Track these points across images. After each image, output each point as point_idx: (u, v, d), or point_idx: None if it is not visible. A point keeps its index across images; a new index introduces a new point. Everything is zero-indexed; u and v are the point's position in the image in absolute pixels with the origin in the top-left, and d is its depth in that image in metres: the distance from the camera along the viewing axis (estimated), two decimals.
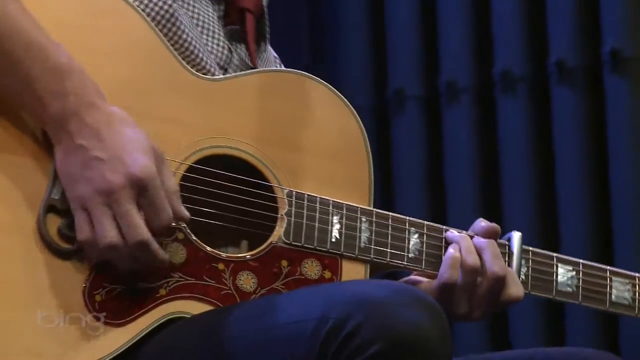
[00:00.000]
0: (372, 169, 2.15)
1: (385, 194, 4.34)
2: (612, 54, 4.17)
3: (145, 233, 1.85)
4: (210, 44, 2.16)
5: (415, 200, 4.35)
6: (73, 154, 1.86)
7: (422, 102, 4.50)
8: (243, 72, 2.15)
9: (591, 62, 4.25)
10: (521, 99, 4.34)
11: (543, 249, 2.29)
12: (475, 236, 2.18)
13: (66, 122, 1.86)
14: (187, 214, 1.92)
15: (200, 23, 2.16)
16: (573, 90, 4.25)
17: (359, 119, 2.15)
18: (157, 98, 2.01)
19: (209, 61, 2.11)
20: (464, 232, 2.20)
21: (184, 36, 2.09)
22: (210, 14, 2.19)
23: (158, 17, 2.08)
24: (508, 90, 4.34)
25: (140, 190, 1.85)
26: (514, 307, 2.25)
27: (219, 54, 2.17)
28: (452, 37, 4.46)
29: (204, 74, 2.09)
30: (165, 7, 2.09)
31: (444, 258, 2.14)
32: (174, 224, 1.91)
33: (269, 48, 2.34)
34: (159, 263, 1.89)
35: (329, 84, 2.18)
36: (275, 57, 2.38)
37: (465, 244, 2.15)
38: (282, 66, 2.38)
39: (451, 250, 2.14)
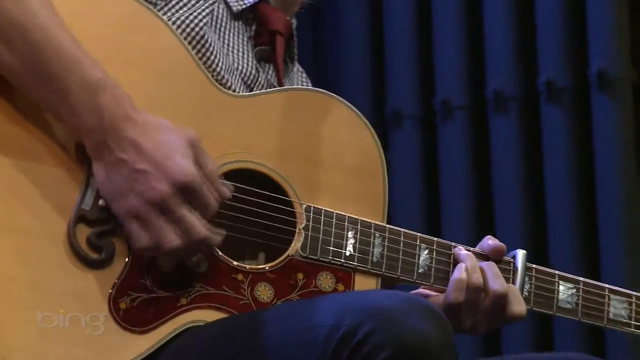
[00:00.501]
0: (387, 186, 2.15)
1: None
2: (599, 75, 4.21)
3: (202, 231, 1.88)
4: (237, 63, 2.16)
5: (411, 212, 4.36)
6: (116, 168, 1.87)
7: (418, 120, 4.52)
8: (268, 90, 2.16)
9: (579, 83, 4.29)
10: (512, 117, 4.37)
11: (533, 260, 2.30)
12: (481, 256, 2.20)
13: (104, 137, 1.87)
14: (228, 193, 1.93)
15: (231, 44, 2.15)
16: (562, 109, 4.29)
17: (377, 138, 2.15)
18: (185, 112, 2.01)
19: (233, 80, 2.11)
20: (471, 248, 2.21)
21: (212, 57, 2.09)
22: (240, 37, 2.19)
23: (189, 38, 2.07)
24: (500, 109, 4.37)
25: (187, 192, 1.86)
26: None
27: (247, 72, 2.17)
28: (447, 59, 4.48)
29: (227, 88, 2.09)
30: (197, 29, 2.08)
31: (451, 279, 2.15)
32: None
33: (297, 66, 2.35)
34: (215, 248, 1.93)
35: None
36: (301, 71, 2.39)
37: (471, 263, 2.16)
38: (309, 80, 2.39)
39: (457, 272, 2.15)
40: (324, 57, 4.66)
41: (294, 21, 2.27)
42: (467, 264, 2.15)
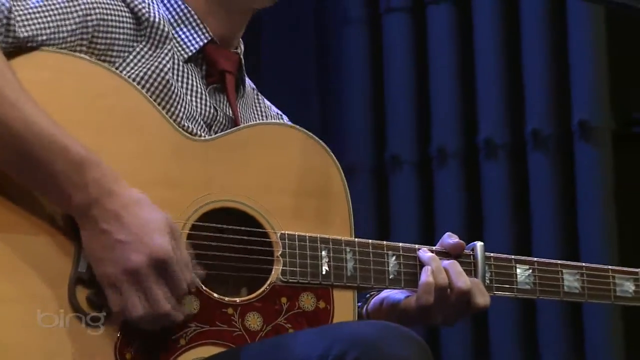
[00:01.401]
0: (350, 202, 2.13)
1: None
2: (581, 124, 4.26)
3: (165, 306, 1.87)
4: (197, 105, 2.12)
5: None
6: (98, 237, 1.87)
7: (416, 165, 4.56)
8: (230, 130, 2.12)
9: (562, 131, 4.33)
10: (502, 163, 4.41)
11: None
12: (444, 255, 2.19)
13: (89, 210, 1.86)
14: (197, 282, 1.93)
15: (189, 87, 2.13)
16: (547, 156, 4.33)
17: (335, 159, 2.14)
18: (159, 165, 2.00)
19: (195, 126, 2.08)
20: (434, 248, 2.20)
21: (174, 107, 2.06)
22: (195, 78, 2.14)
23: (153, 89, 2.05)
24: (490, 155, 4.41)
25: (161, 267, 1.86)
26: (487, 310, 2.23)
27: (206, 113, 2.14)
28: (442, 110, 4.53)
29: (193, 135, 2.07)
30: (159, 79, 2.07)
31: (419, 283, 2.13)
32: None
33: (248, 84, 2.31)
34: (178, 323, 1.92)
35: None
36: (253, 87, 2.35)
37: (435, 265, 2.14)
38: (260, 96, 2.36)
39: (424, 276, 2.14)
40: (328, 105, 4.69)
41: (241, 48, 2.25)
42: (432, 267, 2.14)
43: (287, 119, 2.37)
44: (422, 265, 2.15)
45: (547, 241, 4.30)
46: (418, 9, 4.62)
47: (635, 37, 4.32)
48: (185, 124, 2.06)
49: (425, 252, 2.17)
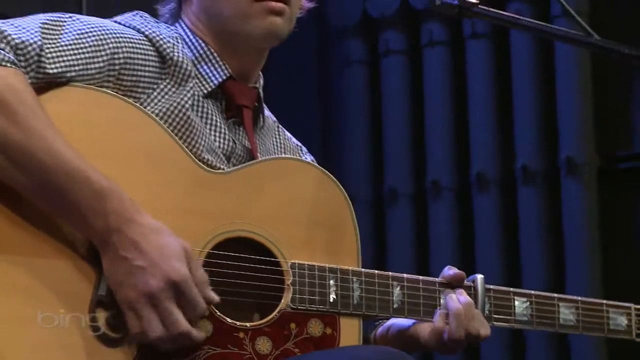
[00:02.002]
0: (358, 234, 2.11)
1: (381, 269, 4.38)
2: (567, 161, 4.28)
3: (184, 326, 1.86)
4: (217, 139, 2.10)
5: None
6: (118, 263, 1.85)
7: (412, 198, 4.57)
8: (246, 164, 2.10)
9: (550, 167, 4.35)
10: (493, 196, 4.43)
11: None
12: (446, 286, 2.16)
13: (110, 237, 1.85)
14: (216, 298, 1.91)
15: (209, 121, 2.11)
16: (535, 190, 4.35)
17: (345, 192, 2.12)
18: (177, 195, 1.98)
19: (214, 158, 2.06)
20: (437, 279, 2.17)
21: (195, 140, 2.05)
22: (214, 113, 2.13)
23: (175, 124, 2.04)
24: (482, 189, 4.42)
25: (177, 290, 1.86)
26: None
27: (225, 146, 2.11)
28: (437, 146, 4.54)
29: (211, 168, 2.04)
30: (180, 114, 2.05)
31: (449, 310, 2.12)
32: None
33: (267, 115, 2.29)
34: (196, 343, 1.91)
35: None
36: (273, 120, 2.32)
37: (459, 312, 2.13)
38: (281, 128, 2.33)
39: (450, 304, 2.13)
40: (330, 140, 4.70)
41: (260, 82, 2.24)
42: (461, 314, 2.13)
43: (307, 150, 2.37)
44: (426, 295, 2.14)
45: (535, 270, 4.31)
46: (415, 51, 4.65)
47: (619, 78, 4.39)
48: (205, 156, 2.05)
49: (451, 299, 2.15)
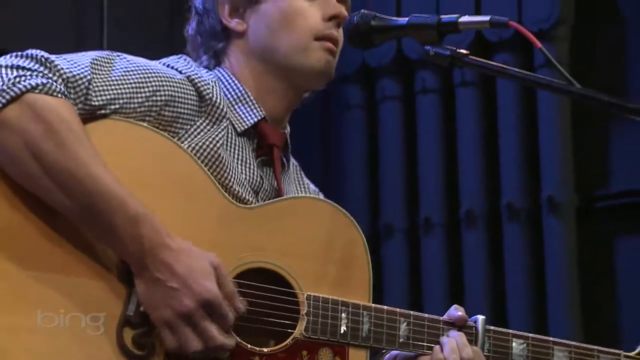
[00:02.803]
0: (371, 272, 2.11)
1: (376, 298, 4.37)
2: (549, 199, 4.29)
3: (221, 339, 1.87)
4: (247, 174, 2.10)
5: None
6: (153, 285, 1.86)
7: (406, 233, 4.58)
8: (271, 201, 2.09)
9: (533, 206, 4.36)
10: (480, 232, 4.44)
11: None
12: (449, 324, 2.14)
13: (144, 260, 1.86)
14: (243, 308, 1.91)
15: (240, 157, 2.10)
16: (519, 227, 4.36)
17: (362, 232, 2.11)
18: (206, 225, 1.97)
19: (243, 191, 2.06)
20: (441, 318, 2.15)
21: (225, 173, 2.04)
22: (245, 150, 2.12)
23: (206, 161, 2.03)
24: (471, 225, 4.42)
25: (209, 308, 1.86)
26: None
27: (253, 181, 2.10)
28: (429, 184, 4.56)
29: (240, 202, 2.03)
30: (212, 152, 2.04)
31: (443, 347, 2.10)
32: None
33: (292, 163, 2.28)
34: (231, 350, 1.91)
35: None
36: (296, 165, 2.31)
37: (452, 346, 2.11)
38: (302, 173, 2.31)
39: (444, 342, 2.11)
40: (331, 180, 4.70)
41: (287, 130, 2.23)
42: (450, 346, 2.11)
43: (323, 196, 2.34)
44: (430, 332, 2.12)
45: (519, 302, 4.32)
46: (409, 98, 4.68)
47: (596, 123, 4.40)
48: (232, 190, 2.04)
49: (447, 338, 2.12)
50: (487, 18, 2.03)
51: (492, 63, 2.12)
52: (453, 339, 2.12)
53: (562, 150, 4.36)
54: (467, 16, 2.04)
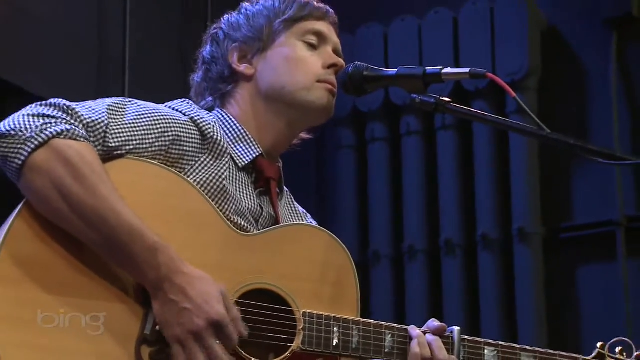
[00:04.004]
0: (359, 291, 2.10)
1: (365, 315, 4.32)
2: (519, 231, 4.31)
3: (224, 357, 1.86)
4: (247, 204, 2.09)
5: None
6: (168, 306, 1.85)
7: (392, 260, 4.56)
8: (270, 228, 2.09)
9: (505, 236, 4.37)
10: (458, 260, 4.43)
11: None
12: (428, 333, 2.12)
13: (161, 284, 1.86)
14: (245, 333, 1.91)
15: (241, 189, 2.10)
16: (493, 255, 4.37)
17: (350, 256, 2.10)
18: (213, 252, 1.97)
19: (244, 221, 2.05)
20: (422, 329, 2.13)
21: (230, 205, 2.04)
22: (245, 183, 2.11)
23: (212, 192, 2.03)
24: (450, 253, 4.42)
25: (217, 328, 1.86)
26: None
27: (254, 210, 2.09)
28: (413, 216, 4.54)
29: (242, 230, 2.03)
30: (217, 184, 2.04)
31: (410, 354, 2.08)
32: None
33: (285, 191, 2.26)
34: None
35: None
36: (287, 191, 2.28)
37: (421, 340, 2.09)
38: (292, 196, 2.29)
39: (414, 348, 2.09)
40: (325, 212, 4.65)
41: (280, 163, 2.22)
42: (420, 341, 2.09)
43: (310, 216, 2.34)
44: (411, 339, 2.11)
45: (492, 321, 4.32)
46: (395, 140, 4.68)
47: (561, 163, 4.41)
48: (236, 219, 2.04)
49: (415, 330, 2.12)
50: (467, 70, 2.04)
51: (471, 109, 2.13)
52: (419, 332, 2.11)
53: (531, 187, 4.37)
54: (449, 68, 2.06)
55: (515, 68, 4.37)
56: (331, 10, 2.25)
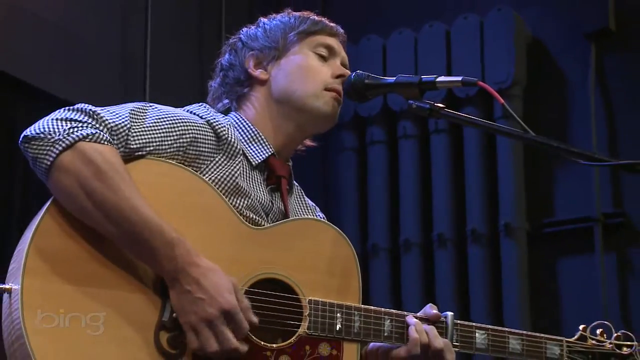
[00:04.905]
0: (360, 280, 2.09)
1: (365, 302, 4.28)
2: (505, 226, 4.29)
3: (234, 343, 1.86)
4: (259, 199, 2.07)
5: None
6: (183, 295, 1.85)
7: (389, 252, 4.53)
8: (279, 222, 2.07)
9: (492, 231, 4.35)
10: (449, 253, 4.41)
11: None
12: (424, 321, 2.11)
13: (177, 275, 1.85)
14: (255, 320, 1.90)
15: (254, 186, 2.08)
16: (481, 248, 4.35)
17: (353, 249, 2.09)
18: (226, 245, 1.96)
19: (256, 215, 2.04)
20: (418, 315, 2.12)
21: (242, 201, 2.03)
22: (258, 180, 2.10)
23: (226, 189, 2.02)
24: (442, 247, 4.40)
25: (228, 316, 1.85)
26: None
27: (265, 204, 2.08)
28: (409, 211, 4.53)
29: (254, 224, 2.02)
30: (231, 181, 2.03)
31: (410, 339, 2.07)
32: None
33: (296, 187, 2.25)
34: (241, 354, 1.89)
35: None
36: (298, 187, 2.27)
37: (419, 327, 2.08)
38: (302, 191, 2.28)
39: (412, 334, 2.08)
40: (329, 209, 4.42)
41: (290, 163, 2.22)
42: (418, 328, 2.08)
43: (319, 210, 2.33)
44: (408, 326, 2.09)
45: (481, 309, 4.30)
46: (392, 142, 4.66)
47: (544, 164, 4.40)
48: (247, 214, 2.03)
49: (411, 318, 2.11)
50: (459, 78, 2.04)
51: (462, 114, 2.12)
52: (417, 321, 2.10)
53: (516, 185, 4.36)
54: (443, 77, 2.06)
55: (503, 77, 4.37)
56: (341, 29, 2.27)
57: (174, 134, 1.98)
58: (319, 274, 2.04)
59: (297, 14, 2.24)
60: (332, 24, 2.25)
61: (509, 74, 4.36)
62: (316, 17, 2.24)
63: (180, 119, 2.02)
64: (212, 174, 2.02)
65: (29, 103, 3.71)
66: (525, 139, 2.02)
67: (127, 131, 1.92)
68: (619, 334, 2.34)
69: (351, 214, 4.66)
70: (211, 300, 1.84)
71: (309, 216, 2.24)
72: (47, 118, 1.89)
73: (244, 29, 2.26)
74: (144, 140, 1.94)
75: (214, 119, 2.07)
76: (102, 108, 1.94)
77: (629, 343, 2.33)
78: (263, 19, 2.26)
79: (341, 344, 2.03)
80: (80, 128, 1.86)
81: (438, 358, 2.10)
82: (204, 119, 2.06)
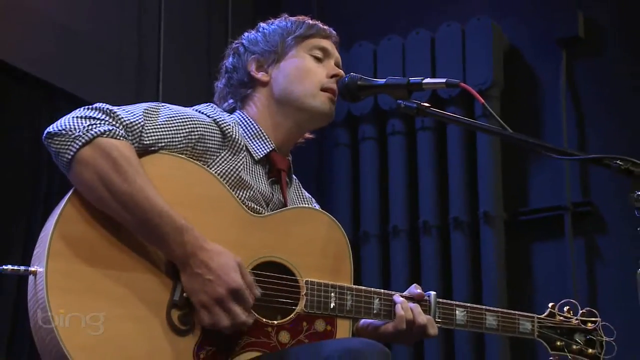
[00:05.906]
0: (352, 263, 2.08)
1: (356, 284, 4.26)
2: (484, 214, 4.27)
3: (244, 317, 1.88)
4: (261, 190, 2.07)
5: None
6: (194, 278, 1.85)
7: (379, 238, 4.50)
8: (279, 210, 2.07)
9: (473, 219, 4.33)
10: (434, 239, 4.38)
11: None
12: (409, 299, 2.12)
13: (187, 259, 1.85)
14: (259, 293, 1.91)
15: (256, 179, 2.08)
16: (462, 235, 4.32)
17: (345, 234, 2.09)
18: (230, 231, 1.96)
19: (257, 204, 2.04)
20: (404, 294, 2.13)
21: (245, 192, 2.03)
22: (260, 173, 2.10)
23: (230, 182, 2.02)
24: (427, 233, 4.38)
25: (235, 294, 1.86)
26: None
27: (266, 195, 2.08)
28: (397, 200, 4.49)
29: (255, 212, 2.02)
30: (235, 175, 2.03)
31: (396, 316, 2.09)
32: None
33: (294, 180, 2.25)
34: (250, 326, 1.91)
35: None
36: (297, 181, 2.26)
37: (404, 305, 2.10)
38: (300, 184, 2.27)
39: (399, 311, 2.09)
40: (323, 199, 4.53)
41: (290, 157, 2.21)
42: (403, 306, 2.10)
43: (315, 201, 2.32)
44: (395, 304, 2.11)
45: (461, 291, 4.28)
46: (383, 139, 4.64)
47: (519, 157, 4.38)
48: (249, 204, 2.03)
49: (398, 297, 2.12)
50: (443, 80, 2.05)
51: (446, 113, 2.13)
52: (403, 299, 2.10)
53: (494, 177, 4.34)
54: (428, 79, 2.07)
55: (482, 80, 4.36)
56: (334, 31, 2.26)
57: (184, 131, 1.98)
58: (315, 257, 2.04)
59: (294, 18, 2.24)
60: (325, 27, 2.25)
61: (488, 77, 4.36)
62: (311, 21, 2.24)
63: (190, 117, 2.01)
64: (218, 168, 2.02)
65: (52, 103, 3.72)
66: (503, 135, 2.04)
67: (141, 128, 1.92)
68: (584, 310, 2.35)
69: (344, 203, 4.64)
70: (219, 281, 1.85)
71: (305, 205, 2.23)
72: (68, 116, 1.89)
73: (245, 34, 2.26)
74: (156, 137, 1.93)
75: (220, 117, 2.07)
76: (119, 107, 1.94)
77: (593, 319, 2.34)
78: (262, 24, 2.26)
79: (335, 320, 2.04)
80: (98, 125, 1.86)
81: (422, 333, 2.11)
82: (211, 117, 2.06)
